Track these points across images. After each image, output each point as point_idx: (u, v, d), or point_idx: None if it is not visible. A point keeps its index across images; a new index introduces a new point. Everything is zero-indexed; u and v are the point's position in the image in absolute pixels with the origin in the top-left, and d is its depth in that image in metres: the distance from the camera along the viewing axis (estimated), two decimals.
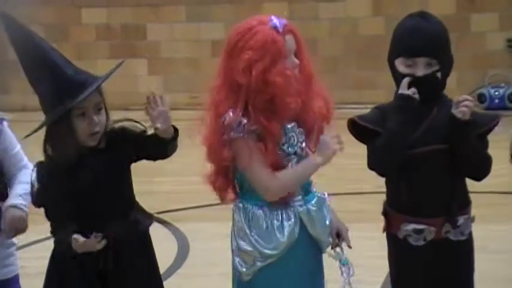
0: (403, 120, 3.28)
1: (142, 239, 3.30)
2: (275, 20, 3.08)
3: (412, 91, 3.28)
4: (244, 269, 3.13)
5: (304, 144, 3.17)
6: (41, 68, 3.16)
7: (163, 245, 6.02)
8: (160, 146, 3.24)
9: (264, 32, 3.05)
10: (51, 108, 3.15)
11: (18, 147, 3.51)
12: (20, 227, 3.39)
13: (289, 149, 3.14)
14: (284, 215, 3.15)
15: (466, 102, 3.21)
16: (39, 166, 3.25)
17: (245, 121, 3.05)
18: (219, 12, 11.64)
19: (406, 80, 3.29)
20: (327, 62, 10.65)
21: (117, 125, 3.31)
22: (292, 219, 3.13)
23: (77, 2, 12.08)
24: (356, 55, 11.28)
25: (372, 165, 3.36)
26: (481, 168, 3.33)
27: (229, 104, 3.09)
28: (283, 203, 3.14)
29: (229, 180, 3.18)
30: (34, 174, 3.24)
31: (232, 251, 3.18)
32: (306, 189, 3.20)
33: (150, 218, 3.35)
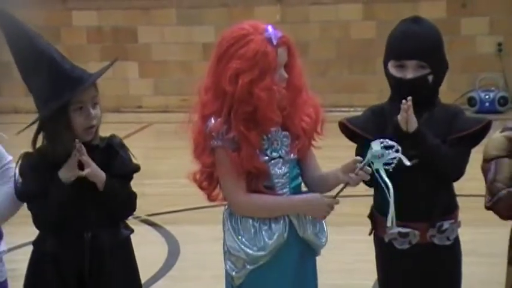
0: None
1: (122, 244, 3.32)
2: (270, 31, 3.05)
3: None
4: (235, 273, 3.13)
5: (289, 147, 3.16)
6: (37, 63, 3.16)
7: (154, 248, 6.04)
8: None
9: (257, 42, 3.02)
10: (47, 103, 3.15)
11: (8, 160, 3.43)
12: None
13: (273, 153, 3.13)
14: (271, 221, 3.12)
15: (403, 112, 3.21)
16: (25, 159, 3.24)
17: (225, 130, 3.04)
18: (210, 16, 11.63)
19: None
20: (318, 66, 10.66)
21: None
22: (281, 222, 3.12)
23: (68, 5, 12.07)
24: (347, 59, 11.29)
25: None
26: (447, 170, 3.33)
27: (215, 107, 3.09)
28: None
29: (214, 181, 3.17)
30: (17, 168, 3.24)
31: (224, 254, 3.18)
32: (295, 191, 3.19)
33: (129, 229, 3.36)
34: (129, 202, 3.29)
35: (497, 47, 11.01)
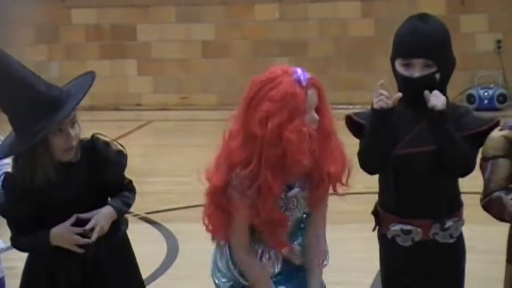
0: (378, 131, 3.28)
1: (119, 244, 3.29)
2: (299, 73, 3.04)
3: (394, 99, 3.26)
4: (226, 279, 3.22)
5: (302, 209, 3.19)
6: (11, 87, 3.03)
7: (152, 246, 6.04)
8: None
9: (286, 84, 3.00)
10: (25, 128, 3.04)
11: (4, 161, 3.36)
12: None
13: (287, 212, 3.14)
14: (263, 253, 3.19)
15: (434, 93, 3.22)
16: (7, 179, 3.18)
17: (248, 183, 3.04)
18: (209, 13, 11.62)
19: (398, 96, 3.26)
20: (316, 63, 10.64)
21: (91, 138, 3.25)
22: (272, 258, 3.19)
23: (67, 3, 12.05)
24: (346, 56, 11.28)
25: (360, 163, 3.38)
26: (461, 161, 3.31)
27: (244, 154, 3.06)
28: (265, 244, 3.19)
29: (227, 216, 3.17)
30: (2, 188, 3.17)
31: (213, 273, 3.27)
32: (292, 235, 3.24)
33: (125, 224, 3.33)
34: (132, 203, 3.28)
35: (496, 44, 11.01)
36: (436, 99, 3.24)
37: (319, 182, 3.14)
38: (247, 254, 3.16)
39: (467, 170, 3.33)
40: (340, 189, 3.19)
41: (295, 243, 3.25)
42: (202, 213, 3.17)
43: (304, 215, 3.26)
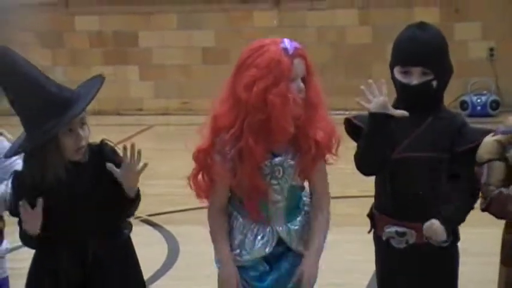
0: (375, 135, 3.27)
1: (122, 249, 3.29)
2: (286, 42, 3.08)
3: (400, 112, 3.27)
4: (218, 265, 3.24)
5: (291, 179, 3.18)
6: (24, 88, 3.04)
7: (153, 248, 6.03)
8: (123, 202, 3.19)
9: (273, 51, 3.04)
10: (36, 127, 3.05)
11: (13, 158, 3.38)
12: None
13: (273, 180, 3.15)
14: (258, 231, 3.21)
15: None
16: (16, 178, 3.17)
17: (230, 147, 3.08)
18: (209, 20, 11.62)
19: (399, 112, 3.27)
20: (315, 69, 10.64)
21: (99, 142, 3.24)
22: (266, 237, 3.20)
23: (71, 10, 12.05)
24: (343, 63, 11.28)
25: (356, 165, 3.38)
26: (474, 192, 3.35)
27: (229, 119, 3.09)
28: (261, 221, 3.20)
29: (209, 180, 3.21)
30: (10, 185, 3.18)
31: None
32: (291, 212, 3.25)
33: (128, 227, 3.33)
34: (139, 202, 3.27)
35: (489, 52, 11.01)
36: (436, 236, 3.28)
37: (307, 150, 3.14)
38: (217, 216, 3.22)
39: (477, 193, 3.36)
40: (330, 159, 3.20)
41: (292, 224, 3.25)
42: (189, 176, 3.21)
43: (309, 198, 3.26)
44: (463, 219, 3.34)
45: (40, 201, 3.06)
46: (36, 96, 3.03)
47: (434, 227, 3.25)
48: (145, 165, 3.13)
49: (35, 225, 3.08)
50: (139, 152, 3.11)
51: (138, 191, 3.19)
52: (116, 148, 3.24)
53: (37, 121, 3.04)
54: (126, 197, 3.16)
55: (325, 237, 3.28)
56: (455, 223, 3.33)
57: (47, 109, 3.03)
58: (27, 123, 3.08)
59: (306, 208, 3.29)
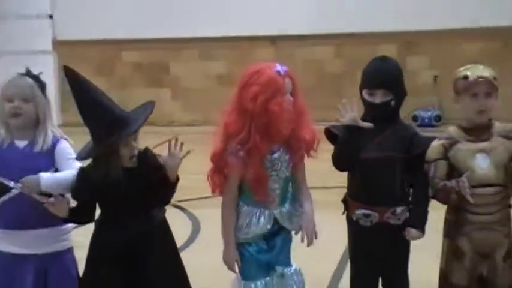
0: (348, 142, 3.25)
1: (160, 226, 3.25)
2: (279, 67, 3.07)
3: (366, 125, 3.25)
4: None
5: (287, 170, 3.16)
6: (94, 109, 3.03)
7: (180, 226, 6.01)
8: (164, 188, 3.15)
9: (270, 72, 3.04)
10: (101, 139, 3.03)
11: (72, 156, 3.34)
12: (29, 186, 3.19)
13: (273, 172, 3.13)
14: (260, 215, 3.17)
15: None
16: (83, 172, 3.16)
17: (241, 150, 3.04)
18: (223, 54, 11.65)
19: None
20: (301, 91, 10.64)
21: (145, 151, 3.21)
22: (265, 219, 3.17)
23: (119, 46, 12.08)
24: (323, 87, 11.32)
25: (333, 163, 3.37)
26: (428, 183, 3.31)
27: (238, 125, 3.08)
28: (262, 205, 3.16)
29: (223, 178, 3.18)
30: (76, 178, 3.15)
31: None
32: (283, 198, 3.21)
33: (163, 211, 3.29)
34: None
35: (434, 79, 11.04)
36: (415, 238, 3.34)
37: (297, 148, 3.14)
38: (230, 205, 3.19)
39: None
40: (312, 153, 3.20)
41: (283, 207, 3.22)
42: (207, 174, 3.19)
43: (291, 184, 3.25)
44: (427, 211, 3.33)
45: (67, 197, 3.13)
46: (105, 117, 3.02)
47: (412, 233, 3.29)
48: (188, 152, 3.12)
49: (61, 212, 3.12)
50: (182, 144, 3.11)
51: (178, 176, 3.16)
52: (155, 153, 3.22)
53: (102, 135, 3.02)
54: (168, 181, 3.12)
55: (311, 202, 3.27)
56: (426, 220, 3.32)
57: (111, 126, 3.01)
58: (96, 136, 3.06)
59: (289, 195, 3.28)
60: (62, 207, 3.12)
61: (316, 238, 3.22)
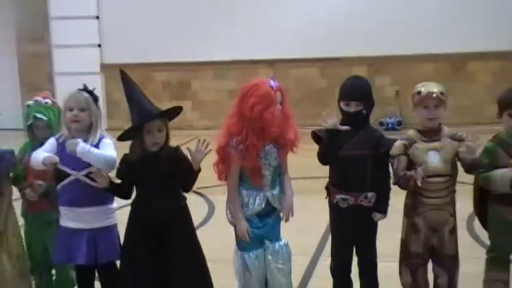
0: (329, 142, 3.24)
1: (182, 208, 3.24)
2: (272, 82, 3.08)
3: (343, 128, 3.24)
4: (229, 216, 3.25)
5: (276, 161, 3.17)
6: (134, 102, 3.10)
7: (198, 208, 6.01)
8: (188, 176, 3.16)
9: (265, 87, 3.04)
10: (132, 125, 3.11)
11: (109, 146, 3.36)
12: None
13: (266, 161, 3.13)
14: (256, 196, 3.17)
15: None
16: (123, 157, 3.19)
17: (240, 145, 3.04)
18: (232, 74, 11.66)
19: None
20: (293, 102, 10.59)
21: (176, 149, 3.22)
22: (259, 200, 3.16)
23: (152, 68, 12.09)
24: (311, 99, 11.31)
25: (318, 159, 3.36)
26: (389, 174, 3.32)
27: (237, 127, 3.09)
28: (257, 188, 3.13)
29: (226, 167, 3.18)
30: (118, 161, 3.20)
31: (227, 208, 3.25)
32: (273, 183, 3.20)
33: (185, 198, 3.28)
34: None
35: (396, 93, 11.03)
36: (379, 220, 3.32)
37: (284, 145, 3.16)
38: (234, 191, 3.18)
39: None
40: (295, 149, 3.22)
41: (274, 190, 3.21)
42: (213, 164, 3.18)
43: (278, 174, 3.23)
44: (389, 197, 3.32)
45: (108, 174, 3.17)
46: (137, 108, 3.08)
47: (377, 216, 3.30)
48: (210, 150, 3.13)
49: (103, 182, 3.16)
50: (208, 143, 3.13)
51: (200, 168, 3.16)
52: (184, 154, 3.22)
53: (133, 123, 3.10)
54: (193, 169, 3.14)
55: (291, 187, 3.26)
56: (387, 205, 3.31)
57: (139, 116, 3.07)
58: (131, 122, 3.11)
59: (278, 182, 3.27)
60: (102, 178, 3.15)
61: (292, 216, 3.21)
